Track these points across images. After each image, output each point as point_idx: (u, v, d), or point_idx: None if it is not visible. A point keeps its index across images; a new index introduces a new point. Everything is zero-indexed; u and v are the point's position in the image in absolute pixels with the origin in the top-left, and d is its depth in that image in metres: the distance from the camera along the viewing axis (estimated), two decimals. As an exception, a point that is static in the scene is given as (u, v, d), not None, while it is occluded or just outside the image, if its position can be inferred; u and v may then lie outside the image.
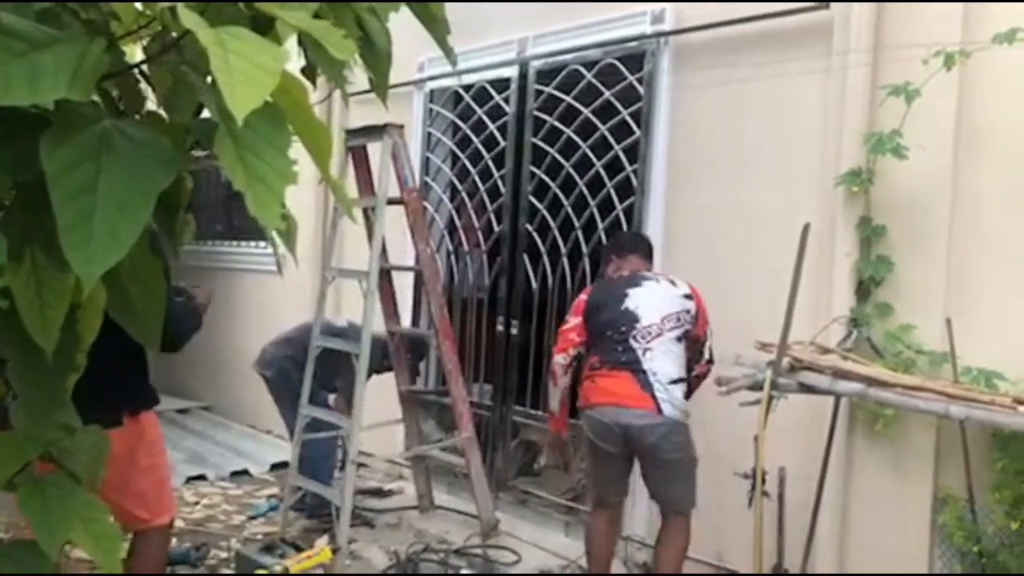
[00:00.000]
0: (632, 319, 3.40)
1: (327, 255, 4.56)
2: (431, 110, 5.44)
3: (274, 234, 1.16)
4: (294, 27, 0.99)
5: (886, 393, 2.82)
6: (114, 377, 2.46)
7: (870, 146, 3.30)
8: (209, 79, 1.21)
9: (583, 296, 3.65)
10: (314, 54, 1.10)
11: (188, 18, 0.83)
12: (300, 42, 1.31)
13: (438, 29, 1.50)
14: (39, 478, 1.16)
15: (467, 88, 5.17)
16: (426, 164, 5.43)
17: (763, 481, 3.05)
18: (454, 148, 5.40)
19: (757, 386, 2.98)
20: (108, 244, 0.85)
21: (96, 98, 1.13)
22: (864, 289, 3.42)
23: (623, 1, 4.33)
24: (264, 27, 1.11)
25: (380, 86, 1.51)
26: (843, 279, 3.44)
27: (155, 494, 2.80)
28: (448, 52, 1.56)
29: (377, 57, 1.41)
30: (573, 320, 3.58)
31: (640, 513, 4.19)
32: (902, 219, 3.38)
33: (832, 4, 3.56)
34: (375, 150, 4.35)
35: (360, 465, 4.75)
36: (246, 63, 0.85)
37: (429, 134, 5.45)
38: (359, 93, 1.65)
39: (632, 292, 3.48)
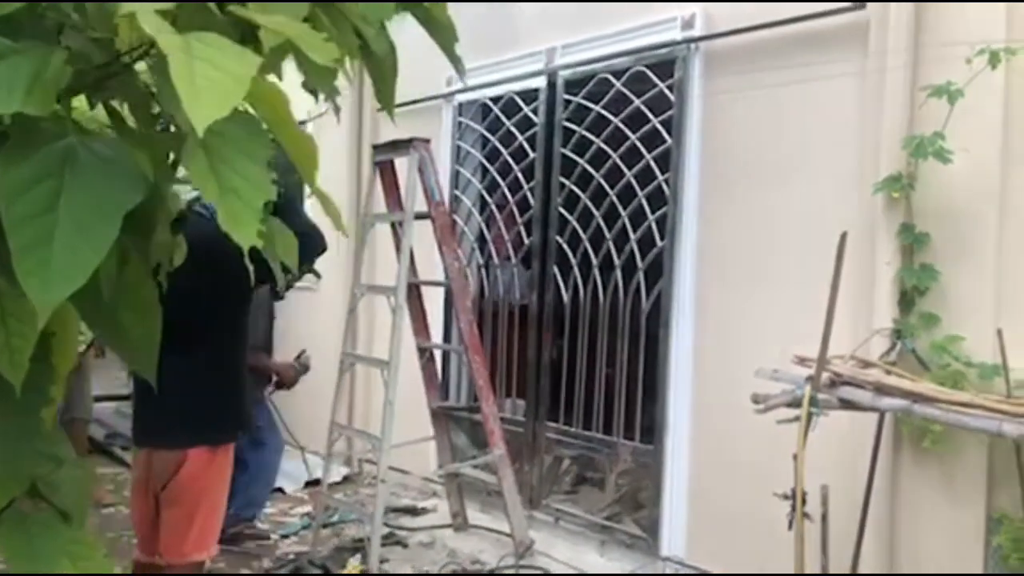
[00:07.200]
0: None
1: (357, 271, 4.52)
2: (460, 123, 5.40)
3: (268, 252, 1.10)
4: (274, 31, 0.93)
5: (933, 410, 2.67)
6: (241, 392, 2.49)
7: (911, 150, 3.16)
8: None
9: None
10: (299, 61, 1.03)
11: (149, 22, 0.77)
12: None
13: (444, 35, 1.42)
14: (24, 516, 1.10)
15: (495, 100, 5.12)
16: (456, 177, 5.38)
17: (804, 502, 2.91)
18: (483, 160, 5.35)
19: (795, 403, 2.85)
20: (68, 269, 0.79)
21: (78, 114, 1.08)
22: (907, 299, 3.27)
23: (652, 1, 4.24)
24: (249, 36, 1.05)
25: (385, 97, 1.44)
26: (884, 289, 3.30)
27: (217, 521, 2.74)
28: (455, 61, 1.48)
29: (378, 65, 1.34)
30: None
31: (677, 531, 4.06)
32: (946, 225, 3.23)
33: (868, 4, 3.43)
34: (403, 164, 4.31)
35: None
36: (213, 70, 0.78)
37: (458, 147, 5.40)
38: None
39: None
